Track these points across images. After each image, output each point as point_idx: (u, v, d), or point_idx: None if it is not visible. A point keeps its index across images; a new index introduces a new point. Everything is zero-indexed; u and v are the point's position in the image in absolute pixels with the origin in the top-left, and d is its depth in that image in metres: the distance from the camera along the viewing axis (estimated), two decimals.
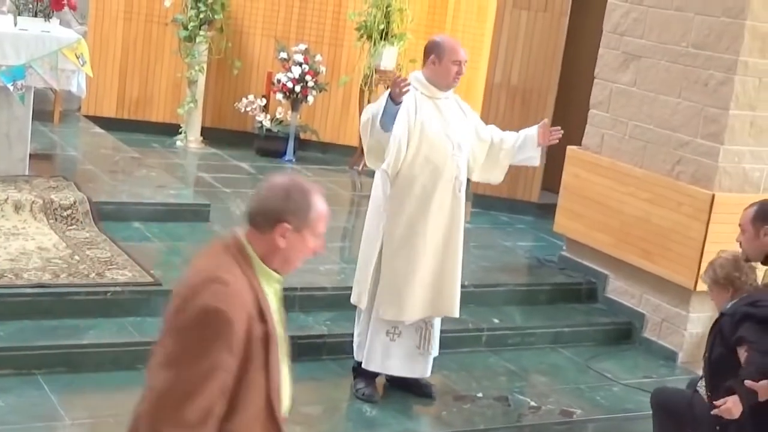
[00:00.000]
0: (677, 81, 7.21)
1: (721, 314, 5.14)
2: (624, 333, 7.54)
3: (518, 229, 9.13)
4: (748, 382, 4.68)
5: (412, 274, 5.82)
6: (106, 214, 7.52)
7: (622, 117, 7.64)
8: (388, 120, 5.61)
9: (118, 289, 6.32)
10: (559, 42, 9.40)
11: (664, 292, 7.34)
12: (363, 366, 6.00)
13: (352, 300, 6.03)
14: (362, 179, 10.37)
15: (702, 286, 6.89)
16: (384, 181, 5.86)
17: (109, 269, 6.55)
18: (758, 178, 7.10)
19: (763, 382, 4.68)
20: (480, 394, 6.29)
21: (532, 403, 6.27)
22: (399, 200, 5.82)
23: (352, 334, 6.23)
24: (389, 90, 5.64)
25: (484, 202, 9.60)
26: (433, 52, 5.82)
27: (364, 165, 10.35)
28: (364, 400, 6.02)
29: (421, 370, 6.08)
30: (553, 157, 8.94)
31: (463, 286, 7.21)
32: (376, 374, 6.06)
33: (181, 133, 10.54)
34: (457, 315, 6.05)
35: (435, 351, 6.09)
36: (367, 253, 5.94)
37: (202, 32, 10.27)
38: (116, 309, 6.25)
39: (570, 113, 8.90)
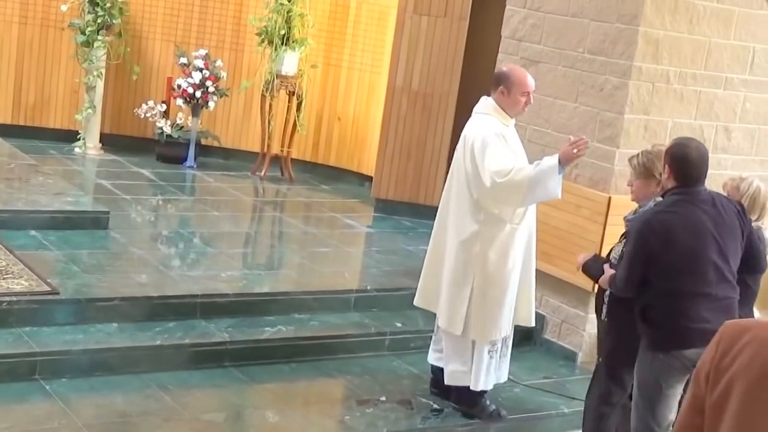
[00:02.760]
0: (574, 86, 7.33)
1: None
2: (525, 334, 7.59)
3: (420, 233, 9.15)
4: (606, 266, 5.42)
5: (507, 296, 6.07)
6: (2, 223, 7.38)
7: (521, 121, 7.68)
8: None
9: (14, 298, 6.18)
10: (459, 47, 9.47)
11: (564, 293, 7.45)
12: (472, 387, 6.16)
13: (451, 330, 6.11)
14: (264, 185, 10.34)
15: None
16: (475, 217, 5.98)
17: (4, 278, 6.42)
18: None
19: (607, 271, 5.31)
20: (383, 398, 6.30)
21: (435, 406, 6.30)
22: (495, 228, 5.99)
23: (253, 339, 6.27)
24: (562, 152, 5.76)
25: (386, 207, 9.64)
26: (502, 83, 6.04)
27: (266, 171, 10.38)
28: (500, 416, 6.29)
29: (505, 373, 6.36)
30: None
31: (365, 291, 7.32)
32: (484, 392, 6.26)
33: (79, 139, 10.38)
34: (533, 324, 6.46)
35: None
36: (461, 288, 6.06)
37: (99, 37, 10.14)
38: (12, 319, 6.12)
39: (470, 117, 8.96)
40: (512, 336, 6.31)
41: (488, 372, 6.21)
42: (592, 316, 7.26)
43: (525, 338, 7.58)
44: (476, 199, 5.96)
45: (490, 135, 5.93)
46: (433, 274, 6.24)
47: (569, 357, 7.42)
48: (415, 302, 6.43)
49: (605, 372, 5.65)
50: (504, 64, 6.51)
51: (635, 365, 5.25)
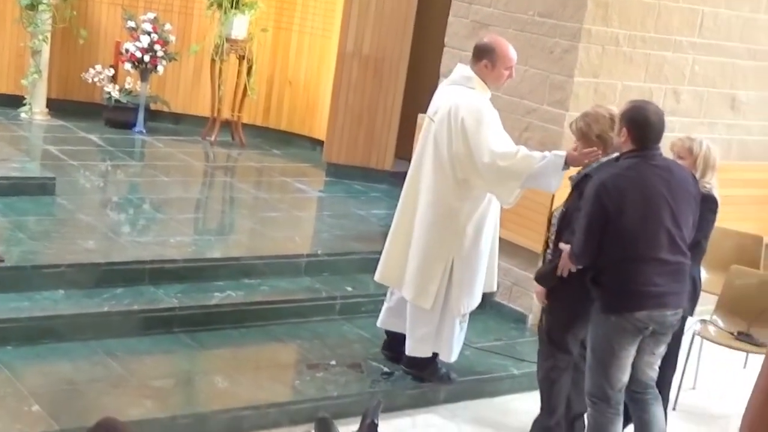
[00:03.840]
0: (524, 49, 7.30)
1: (586, 174, 5.41)
2: None
3: (372, 197, 9.16)
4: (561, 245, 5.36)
5: (482, 267, 6.11)
6: None
7: None
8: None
9: None
10: (410, 11, 9.41)
11: (514, 256, 7.47)
12: (444, 359, 6.21)
13: (420, 304, 6.07)
14: (215, 150, 10.25)
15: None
16: (457, 195, 5.94)
17: None
18: None
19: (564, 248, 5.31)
20: (333, 362, 6.29)
21: (385, 369, 6.30)
22: (475, 204, 5.99)
23: (202, 305, 6.36)
24: (572, 158, 5.65)
25: (338, 171, 9.60)
26: (485, 57, 5.97)
27: (217, 136, 10.29)
28: (450, 379, 6.31)
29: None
30: (406, 126, 9.01)
31: (315, 255, 7.29)
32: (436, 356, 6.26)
33: (25, 104, 10.21)
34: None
35: None
36: (435, 264, 6.02)
37: (45, 0, 9.95)
38: None
39: (421, 82, 8.95)
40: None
41: (459, 342, 6.24)
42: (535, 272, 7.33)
43: None
44: (462, 179, 5.91)
45: (488, 113, 5.87)
46: (400, 251, 6.17)
47: (520, 319, 7.45)
48: (376, 278, 6.38)
49: (547, 340, 5.70)
50: (486, 35, 6.40)
51: (589, 328, 5.28)
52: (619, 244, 5.08)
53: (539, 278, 5.69)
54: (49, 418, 5.07)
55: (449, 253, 6.02)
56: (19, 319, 5.92)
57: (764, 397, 3.14)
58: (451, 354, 6.20)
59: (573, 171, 5.72)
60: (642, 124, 5.13)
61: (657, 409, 5.41)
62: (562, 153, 5.75)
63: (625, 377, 5.24)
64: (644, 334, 5.15)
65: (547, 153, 5.82)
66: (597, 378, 5.26)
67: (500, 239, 7.30)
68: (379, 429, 5.47)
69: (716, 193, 5.77)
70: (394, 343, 6.36)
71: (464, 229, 5.98)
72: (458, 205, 5.96)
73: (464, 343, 6.55)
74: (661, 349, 5.33)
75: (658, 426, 5.39)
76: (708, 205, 5.65)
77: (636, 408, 5.43)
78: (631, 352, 5.19)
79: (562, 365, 5.71)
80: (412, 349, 6.20)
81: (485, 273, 6.21)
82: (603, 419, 5.28)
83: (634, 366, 5.25)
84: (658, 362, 5.37)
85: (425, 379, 6.25)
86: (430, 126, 6.03)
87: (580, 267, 5.28)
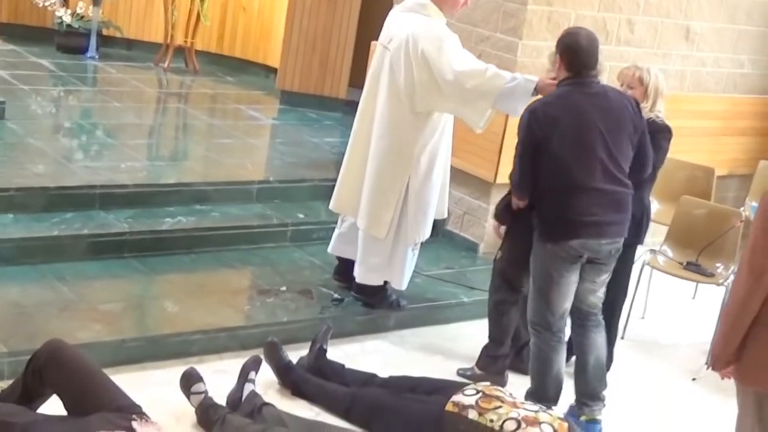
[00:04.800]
0: None
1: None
2: None
3: (326, 125, 9.13)
4: None
5: (434, 197, 6.13)
6: None
7: None
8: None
9: None
10: None
11: (466, 185, 7.49)
12: (396, 286, 6.24)
13: (374, 233, 6.08)
14: (168, 76, 10.16)
15: (501, 179, 7.12)
16: (412, 125, 5.92)
17: None
18: None
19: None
20: (284, 288, 6.31)
21: (336, 296, 6.33)
22: (430, 134, 5.97)
23: (153, 230, 6.34)
24: (543, 84, 5.57)
25: (292, 99, 9.55)
26: None
27: (170, 62, 10.18)
28: (400, 305, 6.34)
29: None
30: (360, 53, 8.95)
31: (267, 182, 7.27)
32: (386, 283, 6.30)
33: None
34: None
35: None
36: (389, 193, 6.02)
37: None
38: None
39: (376, 8, 8.86)
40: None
41: (410, 269, 6.28)
42: (494, 207, 7.36)
43: None
44: (424, 110, 5.87)
45: (447, 37, 5.80)
46: (353, 180, 6.17)
47: (471, 248, 7.50)
48: (331, 207, 6.38)
49: (500, 274, 5.75)
50: None
51: (530, 258, 5.33)
52: (553, 173, 5.09)
53: (496, 214, 5.72)
54: None
55: (403, 183, 6.01)
56: None
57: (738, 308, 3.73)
58: (402, 281, 6.23)
59: None
60: (573, 49, 5.12)
61: (597, 335, 5.46)
62: (534, 78, 5.72)
63: (567, 304, 5.29)
64: (581, 261, 5.20)
65: (517, 74, 5.80)
66: (538, 306, 5.31)
67: (452, 168, 7.34)
68: (328, 354, 5.54)
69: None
70: (345, 269, 6.39)
71: (418, 158, 5.97)
72: (412, 135, 5.94)
73: (415, 271, 6.58)
74: (603, 278, 5.36)
75: (596, 352, 5.45)
76: (663, 134, 5.68)
77: (577, 335, 5.50)
78: (570, 279, 5.23)
79: (512, 299, 5.76)
80: (362, 277, 6.22)
81: (437, 202, 6.22)
82: (546, 347, 5.34)
83: (576, 294, 5.30)
84: (601, 290, 5.42)
85: (375, 305, 6.29)
86: (384, 54, 5.98)
87: (525, 201, 5.30)
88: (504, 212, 5.61)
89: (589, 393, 5.46)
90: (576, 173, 5.05)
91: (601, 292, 5.42)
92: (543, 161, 5.09)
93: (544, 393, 5.38)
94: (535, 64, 7.10)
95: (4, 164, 6.76)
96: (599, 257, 5.21)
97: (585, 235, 5.11)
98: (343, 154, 6.20)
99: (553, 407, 5.22)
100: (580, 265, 5.22)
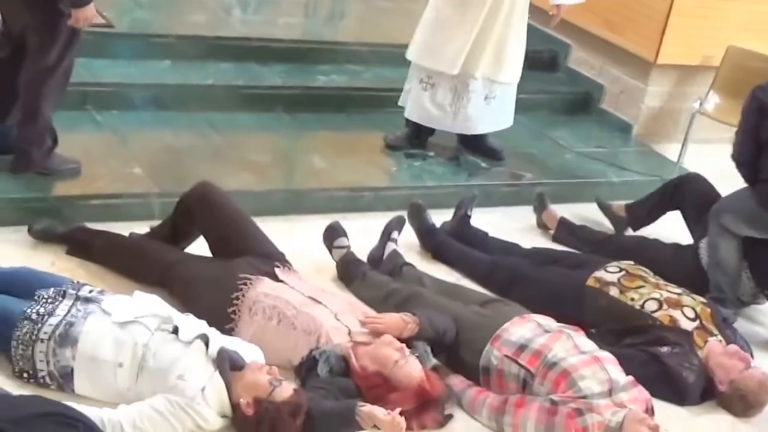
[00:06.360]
0: None
1: None
2: (581, 103, 7.52)
3: None
4: None
5: (459, 22, 5.83)
6: None
7: None
8: None
9: None
10: None
11: (625, 64, 7.27)
12: (405, 114, 6.13)
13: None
14: None
15: (663, 59, 6.89)
16: None
17: None
18: None
19: None
20: (431, 153, 6.27)
21: (483, 165, 6.27)
22: None
23: (306, 87, 6.40)
24: None
25: None
26: None
27: None
28: (389, 146, 6.21)
29: (459, 127, 6.16)
30: None
31: None
32: (422, 127, 6.17)
33: None
34: (507, 81, 6.09)
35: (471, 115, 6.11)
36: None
37: None
38: None
39: None
40: (473, 86, 6.04)
41: (417, 102, 6.11)
42: (652, 88, 7.17)
43: (582, 107, 7.50)
44: None
45: None
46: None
47: (624, 129, 7.31)
48: None
49: None
50: None
51: None
52: None
53: None
54: (149, 180, 5.18)
55: None
56: (125, 84, 5.98)
57: None
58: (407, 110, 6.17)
59: None
60: None
61: None
62: None
63: None
64: None
65: None
66: None
67: (608, 44, 7.14)
68: (471, 222, 5.51)
69: None
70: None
71: None
72: None
73: (565, 147, 6.45)
74: None
75: None
76: None
77: None
78: None
79: None
80: None
81: (468, 47, 5.91)
82: None
83: None
84: None
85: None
86: None
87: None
88: None
89: None
90: None
91: None
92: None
93: None
94: None
95: (164, 11, 6.83)
96: None
97: None
98: None
99: None
100: None
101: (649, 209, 5.83)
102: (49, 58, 4.69)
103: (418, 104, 6.11)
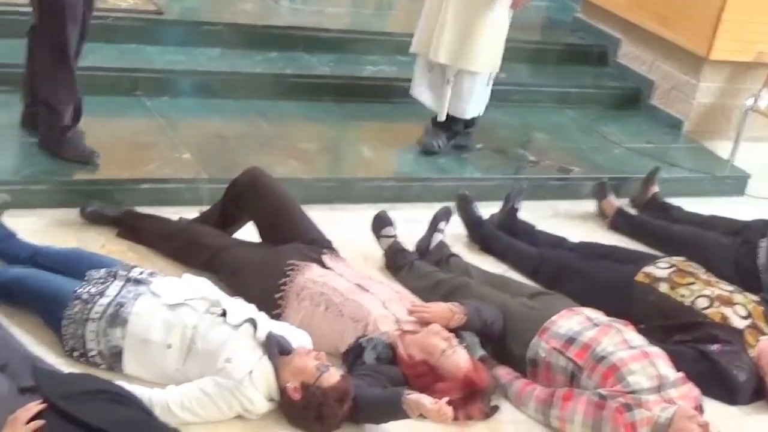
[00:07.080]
0: None
1: None
2: (631, 98, 7.45)
3: None
4: None
5: (442, 11, 5.77)
6: None
7: None
8: None
9: (120, 14, 6.17)
10: None
11: (676, 59, 7.19)
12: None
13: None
14: None
15: (715, 55, 6.81)
16: None
17: None
18: None
19: None
20: (480, 146, 6.24)
21: (531, 158, 6.24)
22: None
23: (353, 76, 6.42)
24: None
25: None
26: None
27: None
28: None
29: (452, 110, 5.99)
30: None
31: None
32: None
33: None
34: (473, 69, 5.86)
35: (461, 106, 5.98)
36: None
37: None
38: (117, 35, 6.11)
39: None
40: (449, 74, 5.88)
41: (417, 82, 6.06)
42: (704, 84, 7.09)
43: (632, 102, 7.43)
44: None
45: None
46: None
47: (675, 125, 7.23)
48: None
49: None
50: None
51: None
52: None
53: None
54: (198, 166, 5.19)
55: None
56: (176, 71, 6.01)
57: None
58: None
59: None
60: None
61: None
62: None
63: None
64: None
65: None
66: None
67: (659, 38, 7.07)
68: (519, 215, 5.48)
69: None
70: None
71: None
72: None
73: (614, 142, 6.39)
74: None
75: None
76: None
77: None
78: None
79: None
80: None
81: (448, 32, 5.77)
82: None
83: None
84: None
85: None
86: None
87: None
88: None
89: None
90: None
91: None
92: None
93: None
94: None
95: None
96: None
97: None
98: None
99: None
100: None
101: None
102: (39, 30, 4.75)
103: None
